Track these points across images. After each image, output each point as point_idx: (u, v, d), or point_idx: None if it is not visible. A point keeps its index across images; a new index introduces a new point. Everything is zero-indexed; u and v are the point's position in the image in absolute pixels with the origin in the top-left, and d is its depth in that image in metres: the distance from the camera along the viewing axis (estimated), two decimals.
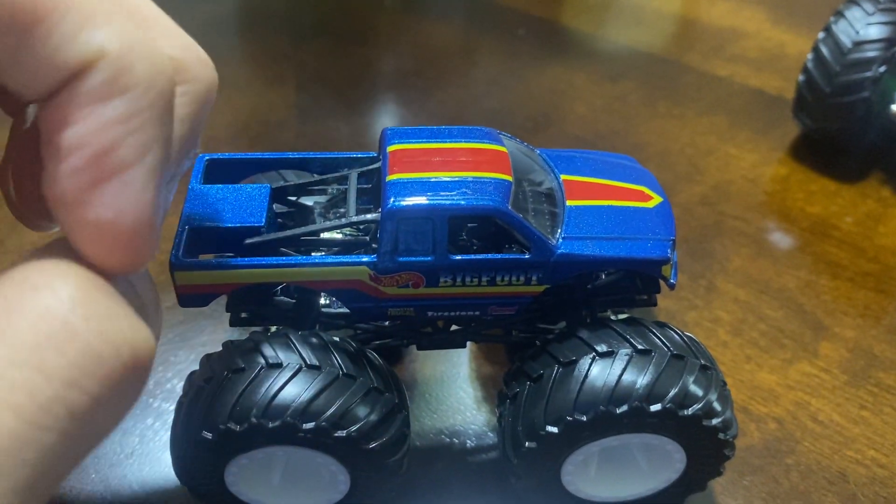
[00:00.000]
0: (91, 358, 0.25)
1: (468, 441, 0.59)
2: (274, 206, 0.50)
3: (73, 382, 0.25)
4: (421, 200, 0.45)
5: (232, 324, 0.51)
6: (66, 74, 0.26)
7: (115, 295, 0.28)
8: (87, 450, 0.27)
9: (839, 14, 0.83)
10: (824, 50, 0.83)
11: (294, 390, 0.44)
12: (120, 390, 0.27)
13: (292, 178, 0.55)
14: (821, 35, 0.84)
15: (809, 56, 0.84)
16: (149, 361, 0.28)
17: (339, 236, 0.50)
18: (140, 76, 0.27)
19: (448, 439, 0.59)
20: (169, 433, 0.48)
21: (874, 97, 0.81)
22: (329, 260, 0.46)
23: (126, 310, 0.28)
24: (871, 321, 0.70)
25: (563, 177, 0.52)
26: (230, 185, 0.50)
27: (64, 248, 0.28)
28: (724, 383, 0.49)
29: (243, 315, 0.51)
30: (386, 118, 0.96)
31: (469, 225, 0.50)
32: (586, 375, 0.46)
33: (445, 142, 0.49)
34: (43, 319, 0.25)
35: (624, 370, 0.46)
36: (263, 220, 0.47)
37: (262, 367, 0.45)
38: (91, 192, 0.27)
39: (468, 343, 0.56)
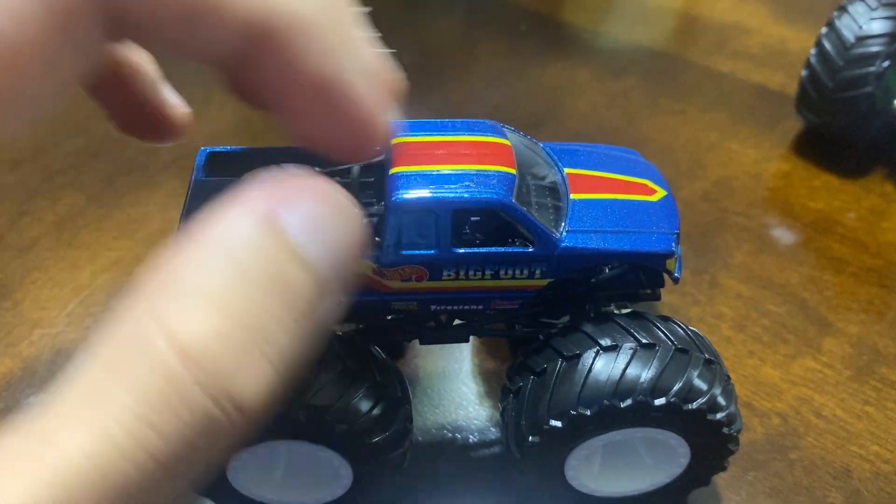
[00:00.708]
0: (201, 419, 0.25)
1: (471, 436, 0.59)
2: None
3: (182, 440, 0.25)
4: (424, 193, 0.45)
5: None
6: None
7: (252, 331, 0.27)
8: (181, 490, 0.27)
9: (842, 9, 0.83)
10: (827, 45, 0.82)
11: (296, 385, 0.44)
12: (226, 442, 0.27)
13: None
14: (824, 30, 0.84)
15: (812, 51, 0.84)
16: (259, 414, 0.27)
17: None
18: None
19: (451, 434, 0.59)
20: None
21: (877, 92, 0.81)
22: None
23: (259, 355, 0.27)
24: (874, 317, 0.69)
25: (566, 170, 0.51)
26: (233, 178, 0.49)
27: (218, 232, 0.28)
28: (728, 378, 0.49)
29: None
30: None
31: (472, 218, 0.49)
32: (590, 369, 0.46)
33: (449, 135, 0.48)
34: (153, 372, 0.25)
35: (628, 364, 0.46)
36: None
37: None
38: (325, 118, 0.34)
39: (471, 338, 0.55)
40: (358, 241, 0.31)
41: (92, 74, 0.31)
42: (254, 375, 0.26)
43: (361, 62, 0.34)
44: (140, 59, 0.43)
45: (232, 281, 0.27)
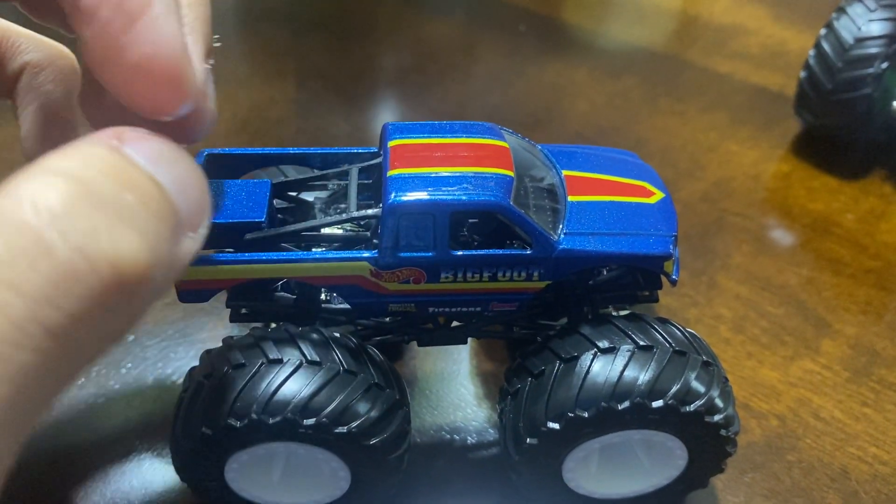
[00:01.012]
0: (66, 275, 0.25)
1: (469, 438, 0.59)
2: (274, 201, 0.50)
3: (48, 300, 0.24)
4: (422, 196, 0.45)
5: (232, 320, 0.51)
6: None
7: (108, 204, 0.27)
8: (71, 372, 0.26)
9: (841, 10, 0.83)
10: (826, 46, 0.82)
11: (294, 386, 0.44)
12: (104, 310, 0.26)
13: (292, 173, 0.55)
14: (823, 31, 0.84)
15: (811, 52, 0.84)
16: (136, 280, 0.27)
17: (340, 232, 0.50)
18: None
19: (449, 436, 0.59)
20: (169, 429, 0.48)
21: (876, 93, 0.81)
22: (330, 255, 0.46)
23: (119, 222, 0.27)
24: (872, 318, 0.69)
25: (564, 172, 0.51)
26: (230, 181, 0.50)
27: (72, 149, 0.28)
28: (726, 379, 0.49)
29: (243, 311, 0.51)
30: (386, 114, 0.96)
31: (470, 221, 0.50)
32: (588, 371, 0.46)
33: (446, 137, 0.48)
34: (18, 233, 0.24)
35: (626, 366, 0.46)
36: (264, 215, 0.47)
37: (262, 363, 0.44)
38: (125, 36, 0.31)
39: (469, 340, 0.55)
40: (202, 184, 0.32)
41: None
42: (120, 235, 0.26)
43: (173, 15, 0.33)
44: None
45: (83, 165, 0.27)
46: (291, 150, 0.53)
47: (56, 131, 0.45)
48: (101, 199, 0.27)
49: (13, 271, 0.24)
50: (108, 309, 0.26)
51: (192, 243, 0.32)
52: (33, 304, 0.24)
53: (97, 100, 0.40)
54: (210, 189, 0.48)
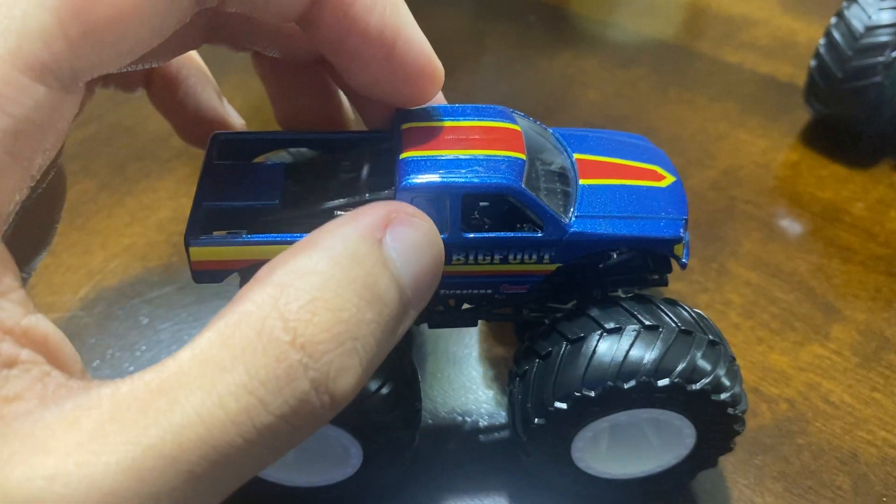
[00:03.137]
0: (300, 403, 0.30)
1: (480, 419, 0.60)
2: (288, 183, 0.51)
3: (283, 416, 0.30)
4: (434, 178, 0.45)
5: None
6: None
7: (351, 329, 0.32)
8: (269, 463, 0.31)
9: None
10: (836, 35, 0.83)
11: None
12: (314, 423, 0.31)
13: (304, 157, 0.55)
14: (833, 20, 0.84)
15: (821, 41, 0.84)
16: (344, 403, 0.32)
17: None
18: None
19: (460, 417, 0.60)
20: None
21: (886, 82, 0.81)
22: None
23: (352, 353, 0.32)
24: (882, 304, 0.70)
25: (575, 156, 0.52)
26: (245, 163, 0.50)
27: (337, 240, 0.34)
28: (733, 358, 0.49)
29: None
30: None
31: (482, 204, 0.50)
32: (594, 351, 0.47)
33: (459, 120, 0.49)
34: (277, 362, 0.29)
35: (631, 346, 0.46)
36: (278, 197, 0.47)
37: None
38: (388, 63, 0.41)
39: (479, 323, 0.56)
40: (439, 271, 0.38)
41: (178, 35, 0.36)
42: (347, 369, 0.31)
43: (409, 17, 0.41)
44: (204, 73, 0.52)
45: (338, 286, 0.32)
46: (304, 134, 0.53)
47: (204, 112, 0.53)
48: (346, 327, 0.32)
49: (266, 391, 0.29)
50: (317, 420, 0.32)
51: (409, 322, 0.37)
52: (273, 419, 0.29)
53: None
54: (225, 172, 0.49)
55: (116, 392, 0.28)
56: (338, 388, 0.31)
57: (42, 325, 0.31)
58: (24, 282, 0.40)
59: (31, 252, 0.44)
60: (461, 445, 0.58)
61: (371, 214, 0.35)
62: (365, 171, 0.50)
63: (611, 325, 0.47)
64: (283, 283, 0.31)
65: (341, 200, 0.49)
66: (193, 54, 0.52)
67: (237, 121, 0.53)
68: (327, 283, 0.32)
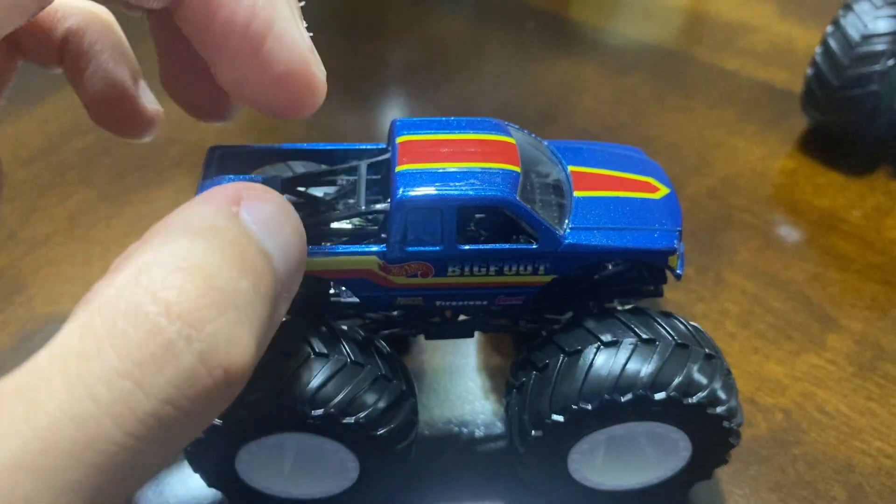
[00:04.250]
0: (186, 379, 0.26)
1: (476, 430, 0.60)
2: (284, 196, 0.51)
3: (169, 400, 0.26)
4: (430, 191, 0.45)
5: None
6: None
7: (229, 299, 0.28)
8: (165, 458, 0.28)
9: (848, 7, 0.83)
10: (833, 43, 0.83)
11: (302, 377, 0.45)
12: (209, 406, 0.28)
13: (301, 169, 0.55)
14: (829, 28, 0.84)
15: (818, 49, 0.84)
16: (241, 380, 0.29)
17: (349, 226, 0.51)
18: None
19: (456, 429, 0.60)
20: None
21: (882, 90, 0.81)
22: (339, 249, 0.47)
23: (236, 322, 0.28)
24: (878, 313, 0.70)
25: (570, 168, 0.52)
26: (242, 176, 0.50)
27: (195, 217, 0.31)
28: (729, 372, 0.49)
29: None
30: (394, 111, 0.97)
31: (477, 216, 0.50)
32: (591, 364, 0.47)
33: (454, 133, 0.49)
34: (151, 337, 0.26)
35: (628, 359, 0.46)
36: None
37: (271, 356, 0.45)
38: (256, 59, 0.35)
39: (476, 334, 0.56)
40: (303, 246, 0.35)
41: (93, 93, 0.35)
42: (236, 338, 0.28)
43: (286, 11, 0.36)
44: (121, 50, 0.47)
45: (204, 254, 0.29)
46: (301, 146, 0.54)
47: (113, 91, 0.46)
48: (223, 294, 0.28)
49: (143, 372, 0.26)
50: (213, 404, 0.28)
51: (286, 305, 0.34)
52: (156, 402, 0.26)
53: (179, 78, 0.43)
54: (222, 184, 0.49)
55: None
56: (230, 361, 0.27)
57: None
58: None
59: None
60: (458, 456, 0.58)
61: (221, 191, 0.32)
62: (361, 182, 0.50)
63: (608, 338, 0.47)
64: (142, 263, 0.28)
65: (338, 212, 0.49)
66: (113, 27, 0.47)
67: (150, 105, 0.47)
68: (192, 253, 0.28)
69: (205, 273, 0.28)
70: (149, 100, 0.47)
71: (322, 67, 0.38)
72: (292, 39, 0.36)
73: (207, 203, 0.31)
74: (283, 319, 0.34)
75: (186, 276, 0.28)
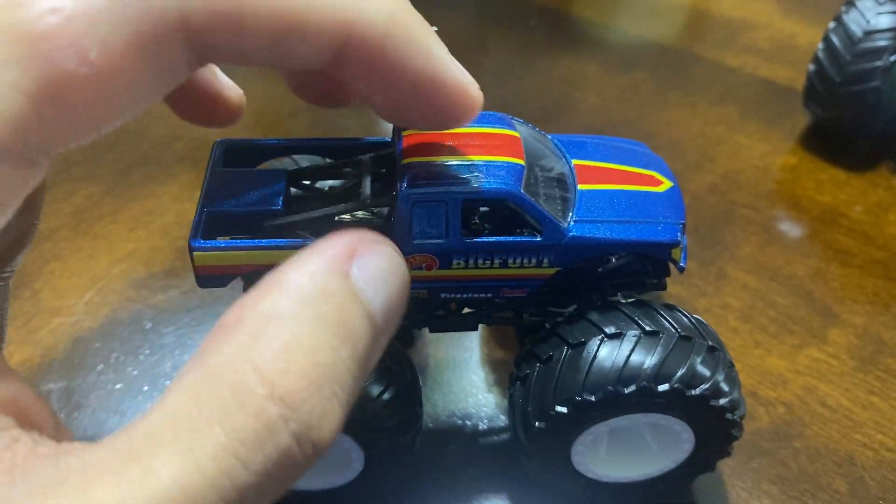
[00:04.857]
0: (282, 457, 0.28)
1: (480, 423, 0.60)
2: (291, 189, 0.51)
3: (266, 474, 0.28)
4: (435, 184, 0.46)
5: None
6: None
7: (328, 372, 0.30)
8: None
9: (850, 3, 0.84)
10: (835, 39, 0.83)
11: None
12: (296, 473, 0.30)
13: (306, 163, 0.56)
14: (831, 24, 0.84)
15: (820, 45, 0.85)
16: (326, 449, 0.30)
17: (354, 220, 0.51)
18: None
19: (460, 421, 0.60)
20: None
21: (884, 86, 0.81)
22: None
23: (332, 398, 0.30)
24: (880, 308, 0.70)
25: (574, 161, 0.52)
26: (248, 170, 0.51)
27: (305, 277, 0.32)
28: (732, 364, 0.49)
29: None
30: None
31: (481, 209, 0.51)
32: (595, 356, 0.47)
33: (458, 126, 0.49)
34: (256, 418, 0.28)
35: (632, 351, 0.47)
36: (281, 203, 0.48)
37: None
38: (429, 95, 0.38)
39: (480, 328, 0.56)
40: (406, 294, 0.36)
41: (173, 91, 0.34)
42: (328, 415, 0.30)
43: (438, 47, 0.38)
44: None
45: (310, 329, 0.30)
46: (306, 140, 0.54)
47: (195, 85, 0.47)
48: (323, 370, 0.30)
49: (247, 450, 0.27)
50: (299, 470, 0.30)
51: (381, 351, 0.35)
52: (255, 476, 0.28)
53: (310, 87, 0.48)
54: (229, 178, 0.50)
55: (86, 463, 0.27)
56: (321, 436, 0.30)
57: (12, 386, 0.30)
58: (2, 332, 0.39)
59: (13, 251, 0.43)
60: (462, 449, 0.59)
61: (336, 246, 0.34)
62: (367, 177, 0.51)
63: (611, 330, 0.48)
64: (252, 330, 0.30)
65: (343, 206, 0.50)
66: None
67: (232, 91, 0.49)
68: (299, 326, 0.30)
69: (309, 350, 0.30)
70: (228, 85, 0.48)
71: (475, 83, 0.40)
72: (454, 78, 0.38)
73: (320, 260, 0.33)
74: None
75: (292, 358, 0.29)
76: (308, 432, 0.29)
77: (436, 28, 0.40)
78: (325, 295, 0.31)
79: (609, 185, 0.51)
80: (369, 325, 0.33)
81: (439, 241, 0.47)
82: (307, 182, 0.53)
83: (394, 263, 0.35)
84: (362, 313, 0.32)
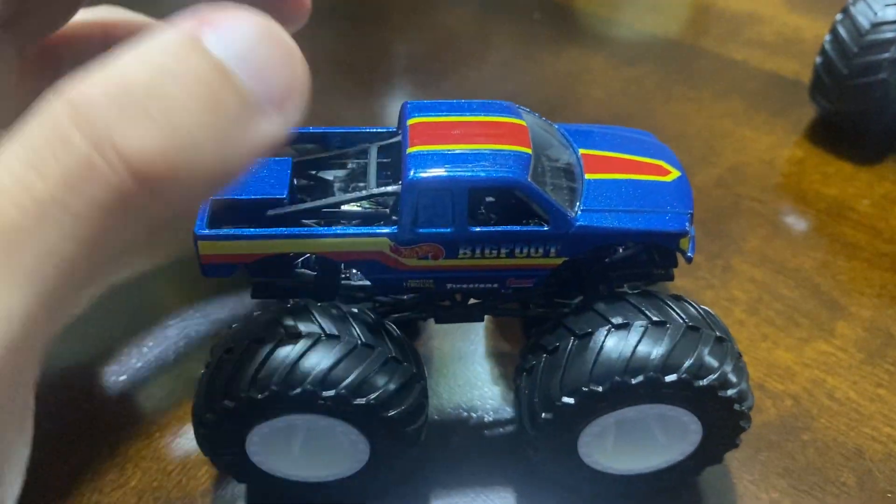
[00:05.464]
0: (83, 169, 0.26)
1: (485, 415, 0.60)
2: (295, 179, 0.51)
3: (68, 186, 0.26)
4: (441, 172, 0.45)
5: (253, 296, 0.52)
6: None
7: (140, 97, 0.27)
8: (92, 271, 0.28)
9: None
10: (842, 31, 0.83)
11: (313, 359, 0.45)
12: (112, 199, 0.27)
13: (313, 151, 0.55)
14: (839, 16, 0.84)
15: (827, 38, 0.84)
16: (157, 178, 0.27)
17: (360, 209, 0.51)
18: None
19: (466, 413, 0.60)
20: (191, 404, 0.49)
21: (892, 79, 0.81)
22: (350, 231, 0.47)
23: (144, 116, 0.27)
24: (887, 301, 0.70)
25: (581, 151, 0.52)
26: None
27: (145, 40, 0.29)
28: (740, 355, 0.49)
29: (265, 287, 0.52)
30: (401, 100, 0.95)
31: (488, 199, 0.50)
32: (602, 347, 0.47)
33: (465, 115, 0.49)
34: (45, 122, 0.27)
35: (639, 341, 0.46)
36: (286, 192, 0.48)
37: (282, 337, 0.45)
38: None
39: (485, 320, 0.56)
40: (291, 62, 0.31)
41: None
42: (140, 130, 0.27)
43: None
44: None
45: (139, 68, 0.28)
46: (310, 130, 0.53)
47: None
48: (131, 84, 0.27)
49: (37, 156, 0.26)
50: (129, 207, 0.27)
51: (271, 126, 0.30)
52: (54, 186, 0.26)
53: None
54: None
55: None
56: (126, 146, 0.26)
57: None
58: None
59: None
60: (467, 441, 0.58)
61: (185, 19, 0.29)
62: (372, 165, 0.50)
63: (618, 321, 0.47)
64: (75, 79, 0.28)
65: (348, 195, 0.49)
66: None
67: None
68: (126, 68, 0.28)
69: (126, 80, 0.27)
70: None
71: None
72: None
73: (165, 31, 0.29)
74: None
75: (103, 81, 0.27)
76: (109, 138, 0.26)
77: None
78: (163, 52, 0.28)
79: (616, 174, 0.51)
80: (217, 78, 0.28)
81: (445, 230, 0.47)
82: (312, 171, 0.53)
83: (261, 29, 0.30)
84: (207, 64, 0.28)
